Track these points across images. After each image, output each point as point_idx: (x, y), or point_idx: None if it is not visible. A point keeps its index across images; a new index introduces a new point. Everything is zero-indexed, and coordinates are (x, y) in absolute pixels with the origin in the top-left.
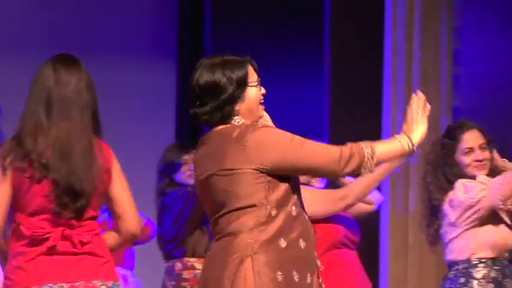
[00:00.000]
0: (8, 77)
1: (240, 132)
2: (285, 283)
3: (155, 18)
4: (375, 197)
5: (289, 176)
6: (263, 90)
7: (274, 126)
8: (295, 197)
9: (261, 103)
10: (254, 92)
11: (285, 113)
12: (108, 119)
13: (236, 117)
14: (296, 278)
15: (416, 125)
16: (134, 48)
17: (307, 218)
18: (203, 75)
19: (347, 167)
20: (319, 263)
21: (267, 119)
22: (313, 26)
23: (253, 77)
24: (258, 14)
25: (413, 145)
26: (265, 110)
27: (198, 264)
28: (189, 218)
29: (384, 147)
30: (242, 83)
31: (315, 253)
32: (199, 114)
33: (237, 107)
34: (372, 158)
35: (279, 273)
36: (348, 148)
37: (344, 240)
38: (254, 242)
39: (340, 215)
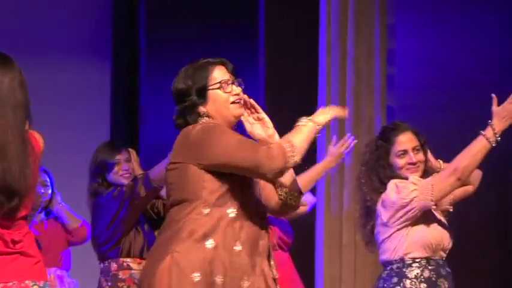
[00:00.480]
0: None
1: (189, 129)
2: (202, 285)
3: (90, 18)
4: (308, 198)
5: (231, 177)
6: (236, 90)
7: (273, 128)
8: (239, 199)
9: (234, 102)
10: (218, 94)
11: None
12: (41, 119)
13: (203, 118)
14: (219, 281)
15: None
16: (69, 48)
17: (254, 222)
18: (173, 85)
19: (272, 166)
20: (275, 272)
21: (269, 125)
22: (248, 24)
23: (217, 79)
24: (192, 14)
25: (311, 120)
26: None
27: (133, 264)
28: (124, 218)
29: (297, 137)
30: (202, 89)
31: (264, 260)
32: (174, 120)
33: (202, 109)
34: (294, 151)
35: (197, 274)
36: (270, 149)
37: (278, 242)
38: (178, 238)
39: (273, 217)
